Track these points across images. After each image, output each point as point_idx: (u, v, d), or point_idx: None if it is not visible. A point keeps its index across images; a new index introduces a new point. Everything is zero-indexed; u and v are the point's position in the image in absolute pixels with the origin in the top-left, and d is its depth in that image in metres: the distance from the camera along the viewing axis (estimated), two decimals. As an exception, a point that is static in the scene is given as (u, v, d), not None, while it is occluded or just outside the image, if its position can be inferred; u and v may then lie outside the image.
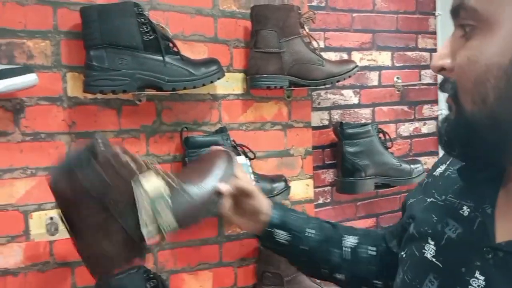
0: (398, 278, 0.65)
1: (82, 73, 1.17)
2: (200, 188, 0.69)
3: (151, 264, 1.28)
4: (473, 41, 0.49)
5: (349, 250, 0.82)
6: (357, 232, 0.86)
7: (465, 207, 0.60)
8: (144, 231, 0.63)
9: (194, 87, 1.21)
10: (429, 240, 0.62)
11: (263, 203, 0.81)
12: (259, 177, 1.35)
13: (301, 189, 1.52)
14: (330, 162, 1.60)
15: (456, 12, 0.51)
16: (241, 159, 1.32)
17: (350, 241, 0.83)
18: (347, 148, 1.52)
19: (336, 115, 1.62)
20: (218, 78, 1.25)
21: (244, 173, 0.80)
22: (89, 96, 1.19)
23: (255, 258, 1.42)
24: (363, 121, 1.66)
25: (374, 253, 0.82)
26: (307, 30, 1.40)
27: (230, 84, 1.39)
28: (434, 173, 0.71)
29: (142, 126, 1.27)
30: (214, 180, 0.71)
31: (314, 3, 1.54)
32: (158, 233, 0.65)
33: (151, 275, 1.20)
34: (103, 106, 1.22)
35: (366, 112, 1.68)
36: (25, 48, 1.13)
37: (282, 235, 0.80)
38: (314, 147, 1.55)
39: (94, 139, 0.65)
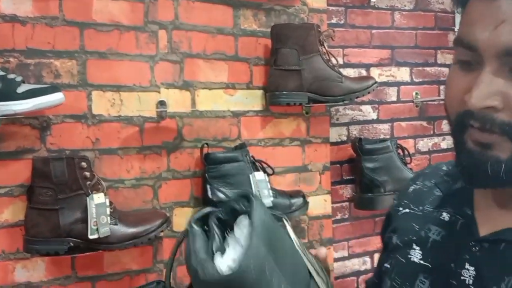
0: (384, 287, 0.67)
1: (107, 91, 1.21)
2: None
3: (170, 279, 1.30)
4: None
5: None
6: None
7: (444, 214, 0.64)
8: None
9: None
10: (414, 246, 0.65)
11: None
12: (278, 193, 1.37)
13: (319, 205, 1.53)
14: (348, 177, 1.61)
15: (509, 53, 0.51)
16: (259, 175, 1.33)
17: None
18: (366, 163, 1.53)
19: (355, 130, 1.62)
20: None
21: None
22: (113, 113, 1.22)
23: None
24: (382, 136, 1.66)
25: None
26: (326, 48, 1.41)
27: (250, 100, 1.41)
28: (407, 191, 0.75)
29: (164, 143, 1.29)
30: None
31: (333, 21, 1.56)
32: None
33: (171, 290, 1.22)
34: (126, 123, 1.25)
35: (384, 128, 1.68)
36: (53, 68, 1.16)
37: None
38: (332, 163, 1.56)
39: None
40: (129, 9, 1.23)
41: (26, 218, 1.08)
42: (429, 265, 0.62)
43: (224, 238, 0.54)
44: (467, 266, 0.57)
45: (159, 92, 1.28)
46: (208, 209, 0.56)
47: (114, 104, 1.23)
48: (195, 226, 0.53)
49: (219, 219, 0.55)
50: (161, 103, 1.26)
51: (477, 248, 0.57)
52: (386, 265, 0.68)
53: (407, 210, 0.70)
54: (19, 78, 1.05)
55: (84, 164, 1.10)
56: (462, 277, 0.57)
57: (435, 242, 0.63)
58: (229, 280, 0.48)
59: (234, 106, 1.38)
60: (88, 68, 1.20)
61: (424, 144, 1.76)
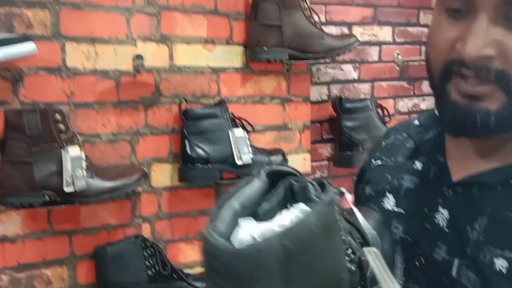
0: None
1: (81, 43, 1.18)
2: None
3: (148, 233, 1.31)
4: None
5: None
6: None
7: (417, 163, 0.65)
8: None
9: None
10: (387, 194, 0.66)
11: None
12: (257, 150, 1.37)
13: (298, 163, 1.53)
14: (328, 137, 1.61)
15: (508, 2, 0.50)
16: (239, 132, 1.33)
17: None
18: (346, 122, 1.53)
19: (335, 90, 1.62)
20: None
21: None
22: (88, 66, 1.20)
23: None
24: (362, 96, 1.66)
25: None
26: (308, 3, 1.39)
27: (230, 57, 1.39)
28: (378, 146, 0.76)
29: (141, 98, 1.27)
30: None
31: (315, -24, 1.53)
32: None
33: (149, 244, 1.23)
34: (102, 77, 1.22)
35: (365, 88, 1.68)
36: (24, 18, 1.12)
37: None
38: (312, 122, 1.56)
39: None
40: (103, -42, 1.18)
41: (0, 171, 1.07)
42: (403, 211, 0.63)
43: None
44: (440, 209, 0.58)
45: (135, 46, 1.25)
46: (288, 169, 0.46)
47: (89, 57, 1.20)
48: (263, 175, 0.43)
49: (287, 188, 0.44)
50: (138, 57, 1.23)
51: (450, 193, 0.58)
52: None
53: (379, 162, 0.71)
54: (-13, 26, 1.02)
55: (58, 116, 1.09)
56: (435, 220, 0.58)
57: (408, 189, 0.64)
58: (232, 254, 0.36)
59: (214, 62, 1.36)
60: (62, 19, 1.16)
61: (404, 104, 1.77)
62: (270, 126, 1.48)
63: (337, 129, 1.56)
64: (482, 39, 0.50)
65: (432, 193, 0.60)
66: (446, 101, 0.54)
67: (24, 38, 1.04)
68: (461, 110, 0.53)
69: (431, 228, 0.58)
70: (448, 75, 0.53)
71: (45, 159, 1.07)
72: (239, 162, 1.30)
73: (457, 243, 0.56)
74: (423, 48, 1.78)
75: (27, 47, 1.04)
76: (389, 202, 0.65)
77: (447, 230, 0.57)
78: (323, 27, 1.46)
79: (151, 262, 1.22)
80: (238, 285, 0.36)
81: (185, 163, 1.29)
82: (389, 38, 1.70)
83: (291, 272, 0.36)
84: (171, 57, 1.30)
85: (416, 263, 0.59)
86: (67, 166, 1.08)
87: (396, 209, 0.64)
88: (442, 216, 0.58)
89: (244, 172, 1.32)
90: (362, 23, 1.64)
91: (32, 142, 1.06)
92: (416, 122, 0.73)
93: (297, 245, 0.35)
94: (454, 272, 0.55)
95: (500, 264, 0.52)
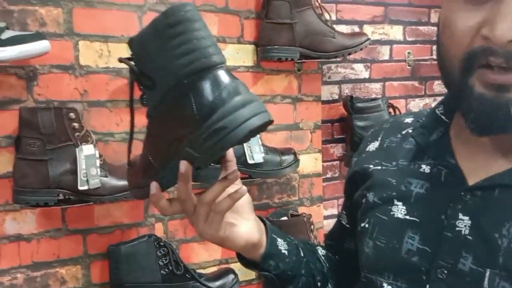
0: (366, 248, 0.63)
1: (94, 41, 1.18)
2: None
3: (161, 233, 1.30)
4: None
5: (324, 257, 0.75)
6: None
7: (424, 166, 0.61)
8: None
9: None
10: (396, 202, 0.61)
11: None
12: (269, 149, 1.36)
13: (309, 163, 1.53)
14: (339, 136, 1.61)
15: None
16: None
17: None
18: (357, 122, 1.52)
19: (346, 89, 1.61)
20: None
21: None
22: (101, 65, 1.20)
23: (264, 229, 1.43)
24: (373, 95, 1.65)
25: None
26: (319, 2, 1.39)
27: (241, 56, 1.38)
28: (367, 150, 0.70)
29: (153, 96, 1.27)
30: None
31: (326, -25, 1.52)
32: None
33: (162, 243, 1.22)
34: (115, 75, 1.22)
35: (376, 87, 1.67)
36: (38, 15, 1.12)
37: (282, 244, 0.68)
38: (324, 121, 1.56)
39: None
40: (116, -44, 1.18)
41: (15, 169, 1.07)
42: (416, 219, 0.58)
43: None
44: (460, 216, 0.54)
45: (148, 44, 1.24)
46: None
47: (102, 55, 1.20)
48: None
49: None
50: (151, 56, 1.23)
51: (468, 197, 0.55)
52: (363, 224, 0.64)
53: (379, 167, 0.66)
54: (2, 24, 1.02)
55: (72, 115, 1.08)
56: (457, 228, 0.54)
57: (419, 195, 0.60)
58: None
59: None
60: (75, 17, 1.16)
61: (415, 104, 1.76)
62: (281, 126, 1.47)
63: (348, 128, 1.55)
64: None
65: (447, 198, 0.56)
66: (470, 96, 0.50)
67: (38, 36, 1.04)
68: (489, 103, 0.49)
69: (453, 237, 0.54)
70: (471, 67, 0.49)
71: (59, 157, 1.07)
72: (251, 161, 1.29)
73: (485, 252, 0.52)
74: (435, 47, 1.76)
75: (41, 45, 1.04)
76: (399, 210, 0.60)
77: (470, 238, 0.53)
78: (334, 26, 1.46)
79: (164, 261, 1.21)
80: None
81: (197, 162, 1.28)
82: (400, 37, 1.70)
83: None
84: (183, 55, 1.30)
85: (439, 275, 0.54)
86: (82, 164, 1.07)
87: (408, 217, 0.59)
88: (464, 223, 0.54)
89: (256, 171, 1.32)
90: (373, 22, 1.63)
91: (47, 140, 1.06)
92: (407, 121, 0.68)
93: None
94: (486, 283, 0.51)
95: None
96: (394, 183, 0.62)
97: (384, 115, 1.54)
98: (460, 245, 0.54)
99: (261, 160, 1.31)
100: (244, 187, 0.59)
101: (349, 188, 0.72)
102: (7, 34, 1.00)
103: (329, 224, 1.60)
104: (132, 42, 0.55)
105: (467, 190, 0.55)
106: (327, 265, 0.75)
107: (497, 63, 0.48)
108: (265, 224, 0.67)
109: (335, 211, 1.61)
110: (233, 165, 0.60)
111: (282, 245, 0.67)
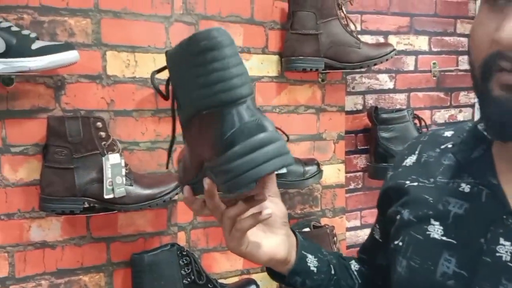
0: (398, 267, 0.61)
1: (121, 51, 1.19)
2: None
3: (183, 242, 1.31)
4: None
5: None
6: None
7: (463, 185, 0.59)
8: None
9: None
10: (432, 221, 0.59)
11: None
12: (292, 160, 1.35)
13: (332, 174, 1.51)
14: (363, 147, 1.59)
15: None
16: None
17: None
18: (381, 133, 1.50)
19: (371, 99, 1.60)
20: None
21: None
22: (128, 74, 1.21)
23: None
24: (398, 106, 1.63)
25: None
26: (344, 12, 1.38)
27: (265, 66, 1.38)
28: (404, 164, 0.68)
29: (178, 106, 1.27)
30: None
31: (351, -15, 1.52)
32: None
33: (184, 253, 1.22)
34: (141, 85, 1.23)
35: (401, 98, 1.65)
36: (67, 26, 1.14)
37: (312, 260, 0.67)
38: (347, 132, 1.54)
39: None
40: (144, -33, 1.20)
41: (42, 177, 1.08)
42: (454, 241, 0.56)
43: None
44: (502, 241, 0.52)
45: (174, 54, 1.25)
46: None
47: (129, 65, 1.21)
48: None
49: None
50: (176, 66, 1.24)
51: (510, 221, 0.53)
52: (397, 242, 0.63)
53: (415, 183, 0.64)
54: (33, 35, 1.04)
55: (99, 124, 1.09)
56: (497, 254, 0.52)
57: (458, 216, 0.57)
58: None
59: (249, 71, 1.35)
60: (103, 28, 1.18)
61: (441, 115, 1.73)
62: (305, 136, 1.46)
63: (373, 140, 1.53)
64: None
65: (488, 221, 0.54)
66: (488, 100, 0.50)
67: (67, 46, 1.06)
68: (504, 105, 0.48)
69: (492, 262, 0.52)
70: (489, 71, 0.49)
71: (86, 166, 1.08)
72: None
73: None
74: (460, 58, 1.74)
75: (71, 55, 1.05)
76: (436, 230, 0.58)
77: None
78: (359, 36, 1.45)
79: (186, 271, 1.21)
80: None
81: (221, 172, 1.28)
82: (425, 47, 1.68)
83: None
84: (208, 66, 1.30)
85: None
86: (108, 173, 1.08)
87: (445, 238, 0.57)
88: (505, 249, 0.52)
89: (279, 181, 1.30)
90: (398, 32, 1.62)
91: (74, 149, 1.07)
92: (446, 134, 0.66)
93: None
94: None
95: None
96: (431, 201, 0.60)
97: (409, 126, 1.51)
98: (500, 272, 0.52)
99: (284, 171, 1.31)
100: (270, 210, 0.57)
101: (383, 203, 0.70)
102: (37, 44, 1.02)
103: (352, 236, 1.58)
104: (167, 56, 0.55)
105: (510, 213, 0.53)
106: (359, 281, 0.73)
107: (506, 67, 0.47)
108: (297, 238, 0.66)
109: (357, 223, 1.59)
110: (268, 185, 0.60)
111: (311, 261, 0.66)
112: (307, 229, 1.38)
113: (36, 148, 1.12)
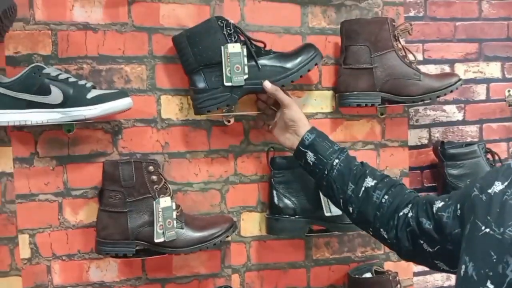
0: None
1: (175, 95, 1.22)
2: None
3: (237, 285, 1.28)
4: None
5: (363, 189, 0.97)
6: (378, 176, 1.00)
7: None
8: None
9: (292, 82, 1.19)
10: (488, 284, 0.56)
11: (301, 119, 1.12)
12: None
13: (396, 213, 1.42)
14: (430, 184, 1.48)
15: None
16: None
17: (369, 182, 0.98)
18: (449, 170, 1.39)
19: (437, 133, 1.49)
20: (316, 64, 1.20)
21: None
22: (181, 117, 1.23)
23: (345, 286, 1.34)
24: (469, 139, 1.51)
25: (387, 202, 0.95)
26: (402, 43, 1.31)
27: (319, 102, 1.35)
28: (489, 191, 0.64)
29: (231, 146, 1.28)
30: None
31: (411, 14, 1.45)
32: None
33: (237, 297, 1.19)
34: (194, 127, 1.25)
35: (472, 130, 1.52)
36: (123, 73, 1.19)
37: (310, 156, 1.06)
38: (412, 168, 1.45)
39: None
40: (195, 13, 1.23)
41: (97, 220, 1.12)
42: None
43: None
44: None
45: (225, 95, 1.26)
46: None
47: (182, 108, 1.24)
48: None
49: None
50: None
51: None
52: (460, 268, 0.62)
53: (487, 230, 0.60)
54: (89, 84, 1.09)
55: (151, 167, 1.12)
56: None
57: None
58: None
59: (303, 108, 1.32)
60: (157, 73, 1.22)
61: (519, 147, 1.57)
62: (364, 173, 1.39)
63: (440, 176, 1.42)
64: None
65: None
66: None
67: (121, 94, 1.10)
68: None
69: None
70: None
71: (138, 209, 1.10)
72: (327, 214, 1.23)
73: None
74: (540, 83, 1.58)
75: (124, 102, 1.09)
76: None
77: None
78: (422, 66, 1.37)
79: (239, 316, 1.18)
80: None
81: (272, 214, 1.25)
82: (497, 74, 1.55)
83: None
84: (260, 105, 1.30)
85: None
86: (159, 216, 1.09)
87: None
88: None
89: (333, 225, 1.25)
90: (465, 59, 1.51)
91: (127, 192, 1.10)
92: None
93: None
94: None
95: None
96: (494, 260, 0.57)
97: (480, 162, 1.39)
98: None
99: (339, 213, 1.24)
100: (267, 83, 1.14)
101: (466, 202, 0.70)
102: (93, 93, 1.07)
103: (420, 281, 1.46)
104: None
105: None
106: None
107: None
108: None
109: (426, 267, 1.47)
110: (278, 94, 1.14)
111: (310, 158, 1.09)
112: (368, 275, 1.30)
113: (95, 191, 1.17)
